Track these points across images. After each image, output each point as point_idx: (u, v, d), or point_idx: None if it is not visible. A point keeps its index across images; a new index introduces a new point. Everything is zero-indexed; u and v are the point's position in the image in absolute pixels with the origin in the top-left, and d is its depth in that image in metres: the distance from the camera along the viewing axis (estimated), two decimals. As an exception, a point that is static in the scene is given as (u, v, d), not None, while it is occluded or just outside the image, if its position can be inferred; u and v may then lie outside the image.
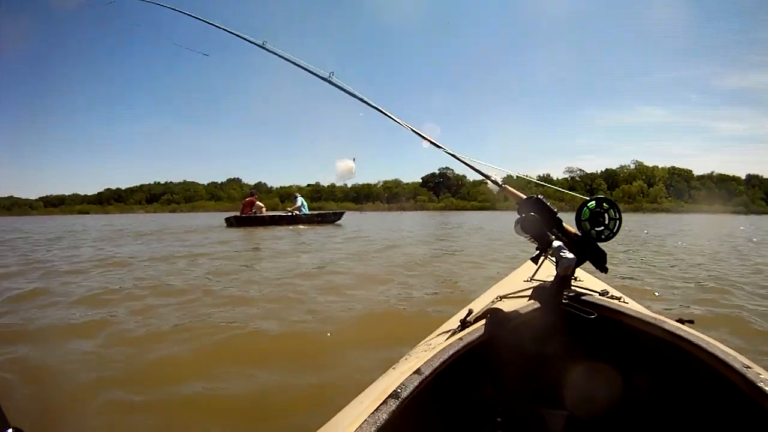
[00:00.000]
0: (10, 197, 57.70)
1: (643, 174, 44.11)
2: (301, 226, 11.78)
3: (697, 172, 44.54)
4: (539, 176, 48.56)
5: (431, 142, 1.27)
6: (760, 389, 0.67)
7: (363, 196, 47.58)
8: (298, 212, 12.53)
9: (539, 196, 1.00)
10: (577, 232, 0.99)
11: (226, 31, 1.69)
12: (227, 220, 12.28)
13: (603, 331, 0.96)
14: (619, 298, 1.06)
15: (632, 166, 46.28)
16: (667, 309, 2.85)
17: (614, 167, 47.22)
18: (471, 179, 49.91)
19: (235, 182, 54.46)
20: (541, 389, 1.02)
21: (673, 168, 44.63)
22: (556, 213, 0.99)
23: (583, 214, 0.98)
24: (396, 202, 46.72)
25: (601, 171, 47.45)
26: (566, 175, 48.67)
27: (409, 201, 46.23)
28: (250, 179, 54.31)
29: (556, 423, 0.99)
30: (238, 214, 12.43)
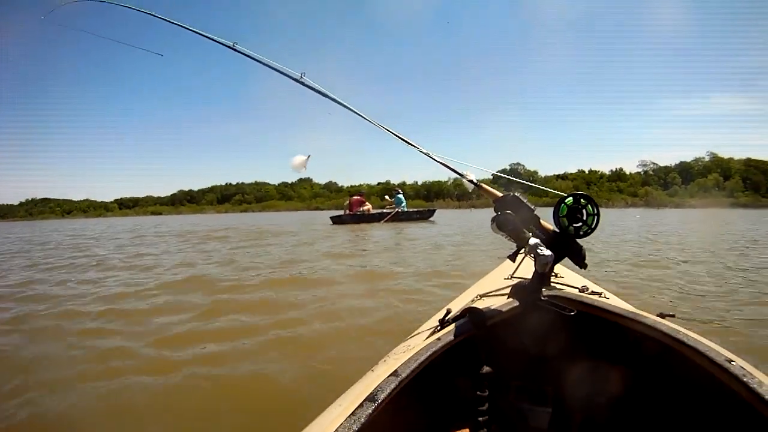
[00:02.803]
0: (87, 200, 58.82)
1: (719, 166, 40.52)
2: (401, 223, 12.21)
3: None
4: (611, 171, 45.85)
5: (405, 141, 1.22)
6: (744, 383, 0.66)
7: (433, 194, 47.02)
8: (399, 209, 13.13)
9: (515, 194, 0.98)
10: (555, 229, 0.97)
11: (196, 32, 1.60)
12: (333, 218, 13.06)
13: (583, 327, 0.95)
14: (599, 294, 1.05)
15: (707, 158, 42.90)
16: (647, 304, 2.78)
17: (689, 160, 43.70)
18: (543, 174, 47.96)
19: (305, 182, 54.07)
20: (522, 386, 1.01)
21: (750, 159, 39.97)
22: (533, 210, 0.97)
23: (561, 210, 0.95)
24: (466, 200, 45.75)
25: (675, 164, 44.69)
26: (639, 169, 46.22)
27: (480, 198, 44.46)
28: (320, 179, 54.95)
29: (539, 420, 0.97)
30: (342, 213, 13.25)
